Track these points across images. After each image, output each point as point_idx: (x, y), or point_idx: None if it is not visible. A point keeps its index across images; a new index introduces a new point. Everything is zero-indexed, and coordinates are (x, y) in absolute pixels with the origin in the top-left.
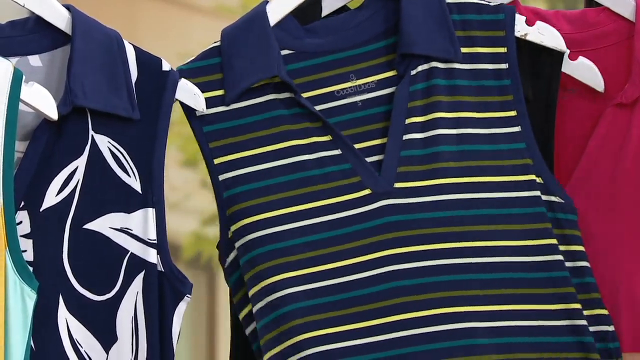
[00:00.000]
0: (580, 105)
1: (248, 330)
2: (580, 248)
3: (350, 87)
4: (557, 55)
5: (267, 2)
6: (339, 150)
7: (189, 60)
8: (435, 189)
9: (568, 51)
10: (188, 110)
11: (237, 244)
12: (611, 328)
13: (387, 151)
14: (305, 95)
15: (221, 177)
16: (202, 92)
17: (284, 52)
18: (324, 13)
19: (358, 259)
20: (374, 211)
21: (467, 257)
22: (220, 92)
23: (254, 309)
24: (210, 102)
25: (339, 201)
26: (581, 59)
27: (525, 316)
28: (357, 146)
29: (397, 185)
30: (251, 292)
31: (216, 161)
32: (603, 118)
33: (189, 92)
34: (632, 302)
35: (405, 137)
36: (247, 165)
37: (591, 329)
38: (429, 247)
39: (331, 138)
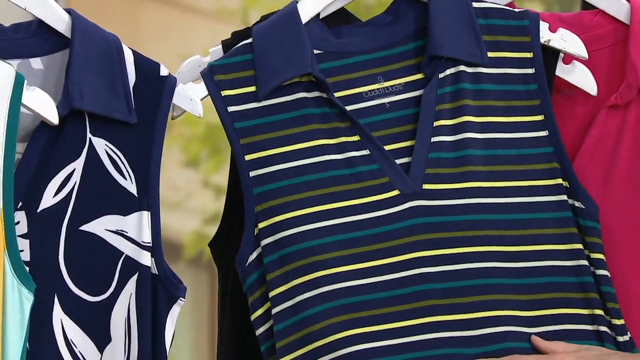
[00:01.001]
0: (576, 107)
1: (259, 331)
2: (600, 256)
3: (378, 88)
4: (552, 59)
5: (297, 1)
6: (368, 150)
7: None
8: (464, 192)
9: (587, 57)
10: (219, 106)
11: (263, 242)
12: (626, 337)
13: (414, 153)
14: (335, 95)
15: (252, 174)
16: (234, 88)
17: (314, 51)
18: (322, 15)
19: (388, 260)
20: (403, 212)
21: (495, 261)
22: (252, 89)
23: (276, 310)
24: (242, 98)
25: (367, 201)
26: (575, 63)
27: (555, 320)
28: (385, 148)
29: (426, 186)
30: (275, 292)
31: (247, 157)
32: (597, 119)
33: (186, 97)
34: (627, 301)
35: (434, 139)
36: (278, 163)
37: None
38: (457, 251)
39: (359, 138)
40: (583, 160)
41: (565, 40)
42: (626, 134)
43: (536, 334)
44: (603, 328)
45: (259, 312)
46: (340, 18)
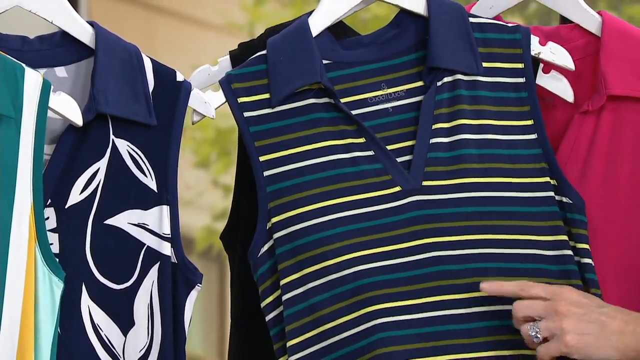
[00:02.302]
0: (554, 113)
1: (269, 317)
2: (586, 246)
3: (382, 95)
4: (534, 70)
5: (309, 15)
6: (372, 151)
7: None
8: (458, 187)
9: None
10: (235, 112)
11: (276, 235)
12: None
13: (415, 152)
14: (342, 100)
15: (266, 173)
16: (250, 95)
17: (323, 61)
18: (322, 29)
19: (390, 248)
20: (404, 206)
21: (485, 247)
22: (266, 96)
23: (286, 297)
24: (257, 105)
25: (371, 196)
26: (553, 72)
27: None
28: (388, 147)
29: (425, 183)
30: (286, 280)
31: (261, 158)
32: (573, 123)
33: (200, 101)
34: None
35: (432, 140)
36: (290, 163)
37: None
38: (452, 239)
39: (365, 140)
40: (561, 160)
41: (554, 53)
42: (600, 137)
43: None
44: None
45: (269, 299)
46: (339, 31)
